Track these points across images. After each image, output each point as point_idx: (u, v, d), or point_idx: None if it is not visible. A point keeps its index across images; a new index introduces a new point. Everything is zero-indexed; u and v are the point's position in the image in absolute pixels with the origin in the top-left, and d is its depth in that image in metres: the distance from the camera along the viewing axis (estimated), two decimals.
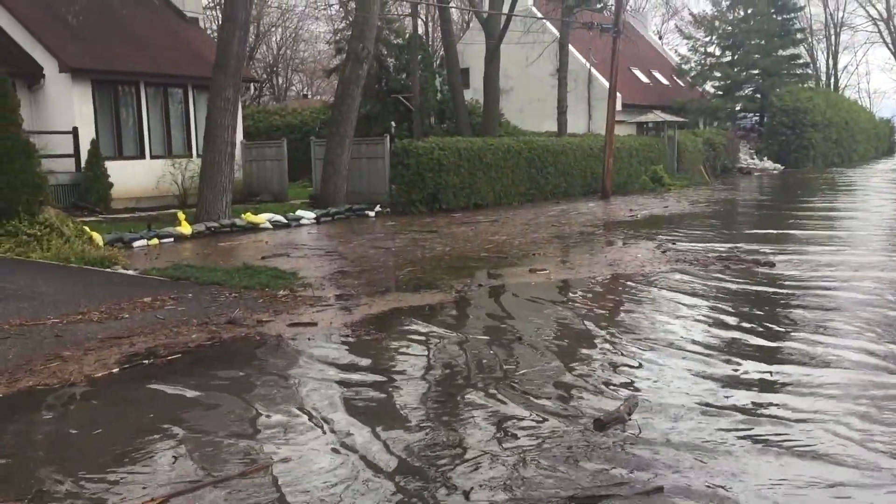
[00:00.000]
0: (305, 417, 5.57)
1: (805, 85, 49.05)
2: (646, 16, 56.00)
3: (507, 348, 7.40)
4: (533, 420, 5.46)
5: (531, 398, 5.91)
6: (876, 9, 62.91)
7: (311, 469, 4.68)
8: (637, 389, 5.99)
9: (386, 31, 30.92)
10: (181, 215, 16.74)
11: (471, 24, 41.88)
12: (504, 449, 4.94)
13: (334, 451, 4.97)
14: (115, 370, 6.69)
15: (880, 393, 5.80)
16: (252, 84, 36.73)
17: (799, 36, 50.14)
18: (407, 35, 31.97)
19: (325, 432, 5.28)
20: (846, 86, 67.58)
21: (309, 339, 7.75)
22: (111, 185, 20.11)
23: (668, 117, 34.85)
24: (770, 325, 7.93)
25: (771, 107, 43.09)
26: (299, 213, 19.26)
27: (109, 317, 8.57)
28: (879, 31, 63.54)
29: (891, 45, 62.84)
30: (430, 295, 9.92)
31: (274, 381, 6.47)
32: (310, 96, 53.96)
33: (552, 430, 5.25)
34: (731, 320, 8.25)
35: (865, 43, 70.26)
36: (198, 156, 20.71)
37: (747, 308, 8.82)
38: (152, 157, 22.00)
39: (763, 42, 44.17)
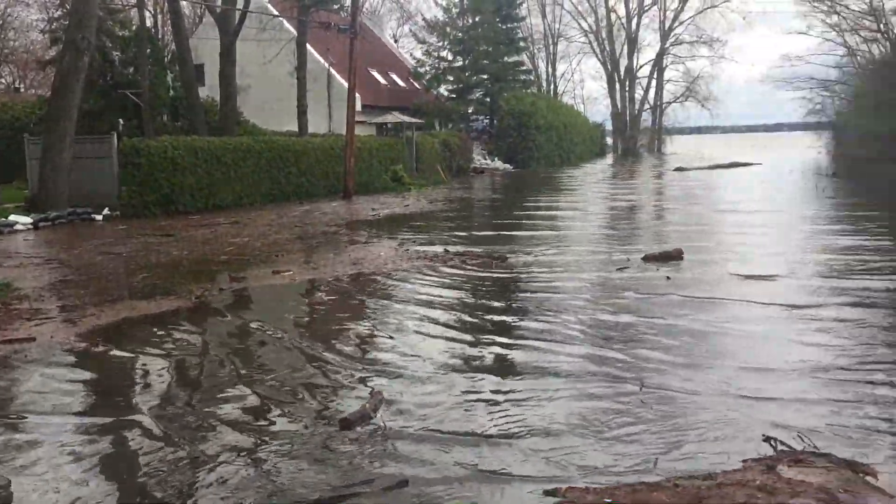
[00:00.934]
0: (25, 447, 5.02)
1: (529, 90, 52.83)
2: (382, 19, 57.17)
3: (249, 354, 7.19)
4: (277, 426, 5.34)
5: (275, 403, 5.78)
6: (587, 22, 69.24)
7: None
8: (379, 391, 6.05)
9: (109, 21, 28.81)
10: None
11: (204, 19, 40.27)
12: (249, 457, 4.78)
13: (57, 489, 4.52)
14: None
15: (591, 399, 5.89)
16: None
17: (522, 44, 53.90)
18: (134, 27, 30.03)
19: (49, 467, 4.80)
20: (564, 92, 73.34)
21: (25, 356, 7.00)
22: None
23: (407, 118, 35.86)
24: (499, 333, 7.82)
25: (500, 110, 45.89)
26: (13, 217, 17.41)
27: None
28: (590, 43, 69.85)
29: (600, 56, 69.40)
30: (167, 301, 9.39)
31: None
32: (23, 90, 48.90)
33: (297, 433, 5.17)
34: (465, 326, 8.16)
35: (579, 53, 77.14)
36: None
37: (479, 312, 8.80)
38: None
39: (490, 49, 46.86)
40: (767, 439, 5.00)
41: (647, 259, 12.02)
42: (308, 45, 31.25)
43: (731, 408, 5.50)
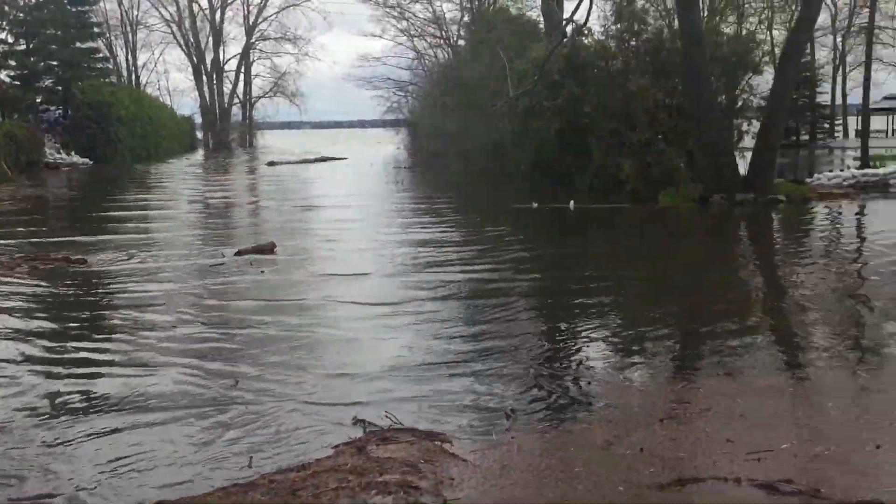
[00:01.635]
0: None
1: (108, 80, 49.16)
2: None
3: None
4: None
5: None
6: (168, 11, 66.28)
7: None
8: None
9: None
10: None
11: None
12: None
13: None
14: None
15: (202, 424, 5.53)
16: None
17: (96, 30, 49.93)
18: None
19: None
20: (147, 83, 69.33)
21: None
22: None
23: None
24: (78, 365, 6.89)
25: (74, 100, 42.07)
26: None
27: None
28: (173, 33, 67.09)
29: (184, 47, 67.02)
30: None
31: None
32: None
33: None
34: (37, 359, 7.04)
35: (162, 43, 73.38)
36: None
37: (52, 341, 7.67)
38: None
39: (60, 33, 42.78)
40: (357, 422, 5.25)
41: (240, 254, 11.93)
42: None
43: (322, 411, 5.58)
